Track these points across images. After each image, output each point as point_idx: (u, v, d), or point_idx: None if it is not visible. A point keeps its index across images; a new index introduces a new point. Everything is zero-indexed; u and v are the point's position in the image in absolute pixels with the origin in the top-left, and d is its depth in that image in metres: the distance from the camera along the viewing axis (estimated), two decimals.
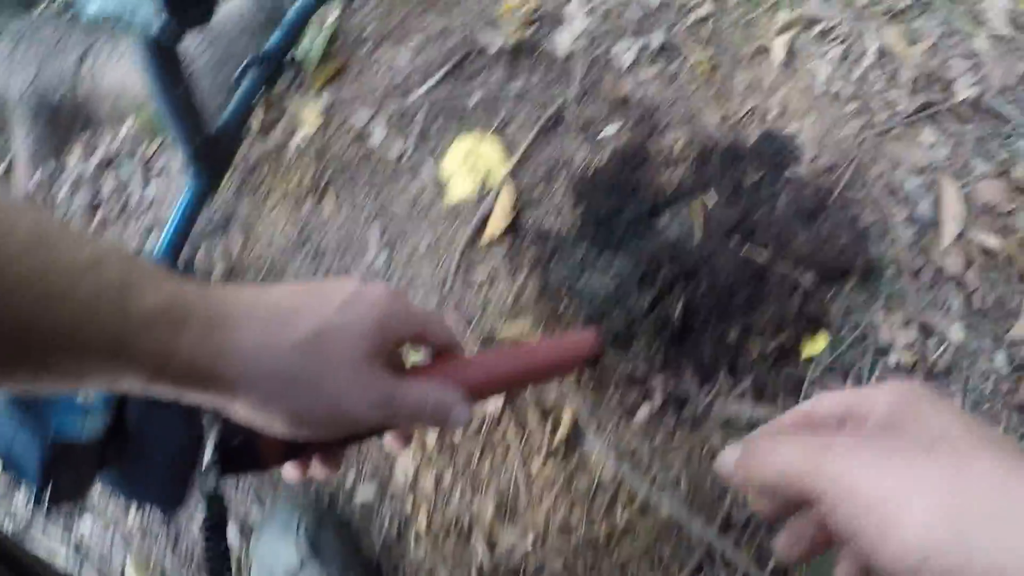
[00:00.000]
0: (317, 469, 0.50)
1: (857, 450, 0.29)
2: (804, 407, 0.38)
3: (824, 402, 0.37)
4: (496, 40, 1.08)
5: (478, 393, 0.49)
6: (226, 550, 0.44)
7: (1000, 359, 1.03)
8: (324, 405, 0.41)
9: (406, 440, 0.52)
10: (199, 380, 0.38)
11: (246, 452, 0.44)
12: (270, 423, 0.40)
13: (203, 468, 0.43)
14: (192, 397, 0.39)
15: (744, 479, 0.35)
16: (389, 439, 0.52)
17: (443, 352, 0.49)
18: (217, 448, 0.43)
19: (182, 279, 0.39)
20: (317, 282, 0.44)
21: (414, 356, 0.52)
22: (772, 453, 0.33)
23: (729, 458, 0.37)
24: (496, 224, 0.99)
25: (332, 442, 0.46)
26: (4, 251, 0.30)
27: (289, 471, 0.49)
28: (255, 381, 0.39)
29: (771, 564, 0.92)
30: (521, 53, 1.09)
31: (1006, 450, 0.28)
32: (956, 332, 1.01)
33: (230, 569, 0.44)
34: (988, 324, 1.03)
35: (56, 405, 1.08)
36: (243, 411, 0.40)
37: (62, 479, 1.00)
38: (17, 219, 0.32)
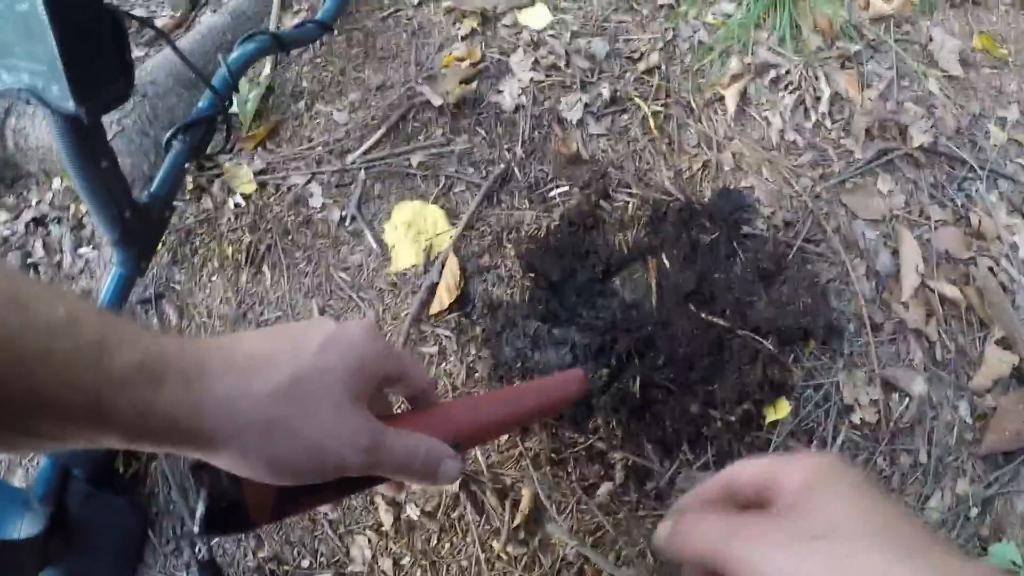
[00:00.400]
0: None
1: (761, 534, 0.33)
2: (727, 473, 0.40)
3: (746, 470, 0.39)
4: (437, 95, 1.01)
5: (467, 442, 0.47)
6: None
7: (963, 409, 1.00)
8: (306, 450, 0.39)
9: (399, 488, 0.51)
10: (178, 435, 0.36)
11: (235, 512, 0.41)
12: (254, 473, 0.39)
13: (195, 532, 0.42)
14: (174, 451, 0.38)
15: (673, 553, 0.37)
16: (382, 487, 0.50)
17: (418, 397, 0.47)
18: (206, 514, 0.40)
19: (159, 333, 0.38)
20: (293, 324, 0.43)
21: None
22: (694, 531, 0.36)
23: (662, 532, 0.39)
24: (443, 295, 0.93)
25: (323, 494, 0.43)
26: None
27: None
28: (233, 432, 0.37)
29: None
30: (464, 107, 1.03)
31: (897, 541, 0.30)
32: (918, 385, 0.98)
33: None
34: (950, 375, 1.01)
35: None
36: (225, 463, 0.38)
37: None
38: None
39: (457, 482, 0.91)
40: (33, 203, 1.30)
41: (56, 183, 1.30)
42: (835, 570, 0.30)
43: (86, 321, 0.34)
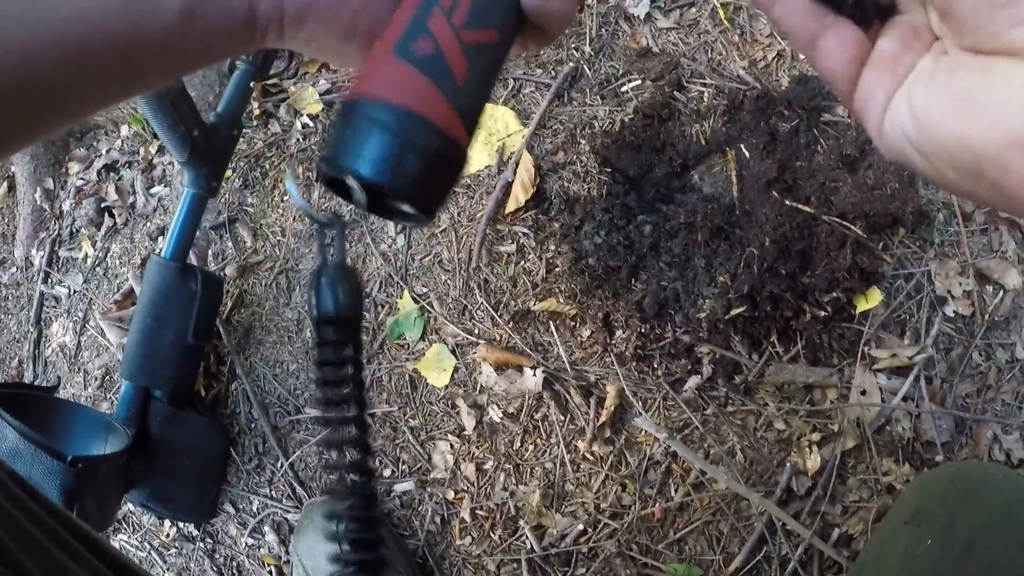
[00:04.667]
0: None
1: None
2: None
3: None
4: None
5: None
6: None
7: None
8: None
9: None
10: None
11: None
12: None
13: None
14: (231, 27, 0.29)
15: None
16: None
17: None
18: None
19: None
20: None
21: None
22: None
23: None
24: (519, 194, 0.88)
25: None
26: None
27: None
28: None
29: (835, 534, 0.82)
30: None
31: None
32: (1013, 278, 0.90)
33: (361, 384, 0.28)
34: None
35: (76, 427, 0.96)
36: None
37: (87, 503, 0.88)
38: None
39: (539, 382, 0.86)
40: (103, 152, 1.28)
41: (124, 130, 1.27)
42: None
43: None
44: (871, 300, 0.86)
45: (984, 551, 0.51)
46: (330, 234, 0.27)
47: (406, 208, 0.27)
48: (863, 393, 0.85)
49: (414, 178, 0.25)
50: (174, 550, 1.00)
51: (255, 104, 1.05)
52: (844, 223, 0.84)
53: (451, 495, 0.88)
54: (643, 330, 0.83)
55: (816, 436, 0.83)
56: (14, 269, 1.27)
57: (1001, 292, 0.90)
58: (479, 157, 0.92)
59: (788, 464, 0.84)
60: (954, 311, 0.88)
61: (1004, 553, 0.50)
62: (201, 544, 0.99)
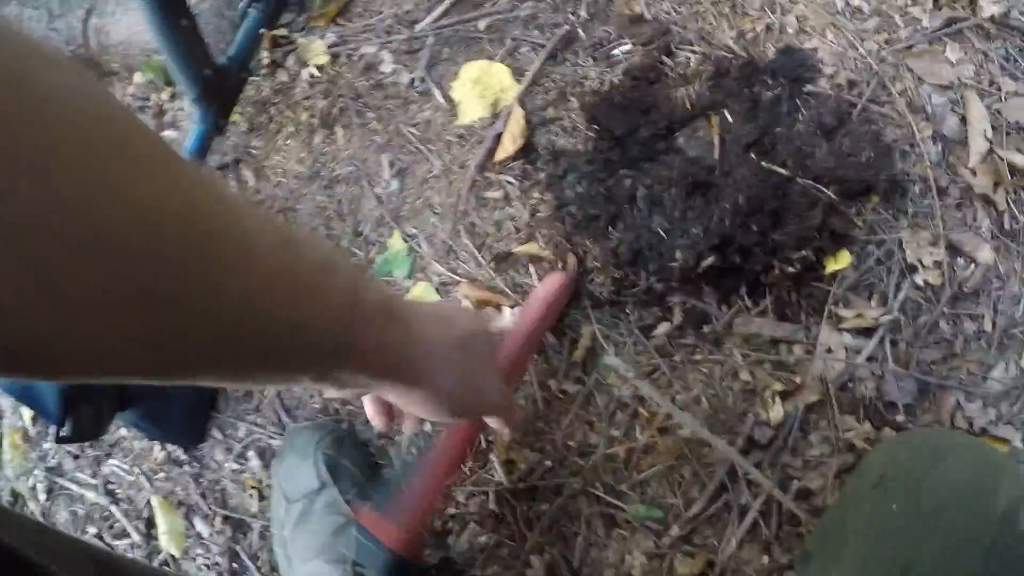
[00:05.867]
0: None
1: None
2: None
3: None
4: None
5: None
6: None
7: None
8: (475, 392, 0.52)
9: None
10: (393, 368, 0.42)
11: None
12: (440, 404, 0.47)
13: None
14: (378, 387, 0.45)
15: None
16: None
17: None
18: None
19: (384, 283, 0.54)
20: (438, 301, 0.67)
21: None
22: None
23: None
24: (508, 144, 0.93)
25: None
26: (257, 248, 0.30)
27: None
28: (434, 368, 0.45)
29: (795, 486, 0.86)
30: None
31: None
32: (985, 253, 0.93)
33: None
34: (1018, 246, 0.96)
35: None
36: (417, 396, 0.46)
37: (82, 414, 0.94)
38: (266, 218, 0.33)
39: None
40: (118, 96, 1.34)
41: (137, 77, 1.34)
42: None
43: (342, 263, 0.38)
44: (840, 261, 0.90)
45: (949, 520, 0.52)
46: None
47: None
48: (828, 351, 0.89)
49: None
50: (163, 473, 1.06)
51: (265, 54, 1.11)
52: (817, 186, 0.89)
53: (427, 426, 0.93)
54: (617, 276, 0.87)
55: (780, 387, 0.87)
56: None
57: (972, 265, 0.94)
58: (474, 109, 0.97)
59: (751, 414, 0.88)
60: (924, 280, 0.92)
61: (968, 523, 0.52)
62: (188, 468, 1.04)
